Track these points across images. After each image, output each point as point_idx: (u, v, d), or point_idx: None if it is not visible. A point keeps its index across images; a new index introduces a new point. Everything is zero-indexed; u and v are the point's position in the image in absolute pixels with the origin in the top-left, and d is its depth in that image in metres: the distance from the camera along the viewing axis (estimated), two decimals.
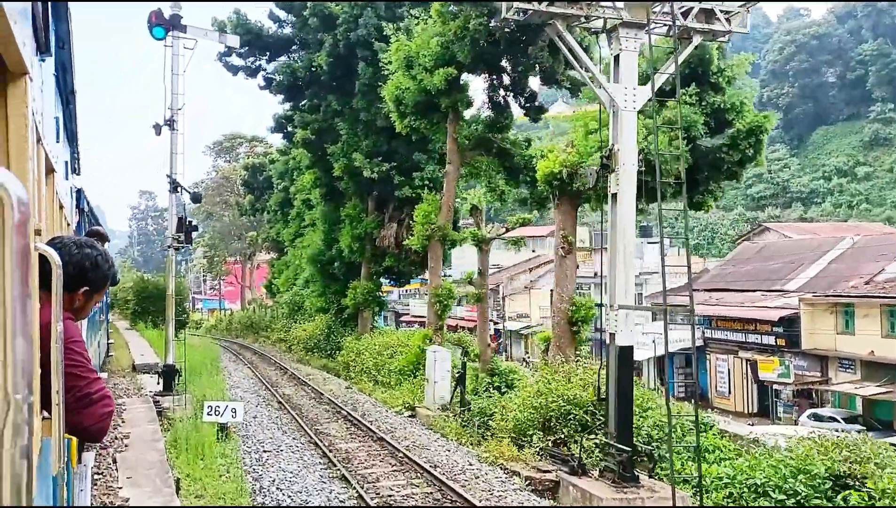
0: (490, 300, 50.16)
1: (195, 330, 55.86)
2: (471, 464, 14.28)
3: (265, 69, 38.68)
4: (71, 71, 6.84)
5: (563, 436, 14.66)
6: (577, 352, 18.84)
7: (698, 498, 11.86)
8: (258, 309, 61.70)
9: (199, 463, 13.26)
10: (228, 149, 75.04)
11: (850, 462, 12.02)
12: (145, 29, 18.93)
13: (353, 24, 31.91)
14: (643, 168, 12.94)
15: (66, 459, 2.90)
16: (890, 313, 30.29)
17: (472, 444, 16.79)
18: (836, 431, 18.00)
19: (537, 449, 14.47)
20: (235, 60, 38.22)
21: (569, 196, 18.56)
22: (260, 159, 61.25)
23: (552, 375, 16.38)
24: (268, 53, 38.17)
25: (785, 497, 11.61)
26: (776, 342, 36.56)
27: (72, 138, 9.46)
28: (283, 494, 12.32)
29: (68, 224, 7.93)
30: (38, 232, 2.70)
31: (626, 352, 12.33)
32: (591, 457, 13.44)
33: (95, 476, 10.33)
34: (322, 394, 23.58)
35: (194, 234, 20.81)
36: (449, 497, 12.25)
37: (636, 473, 12.17)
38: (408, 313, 60.50)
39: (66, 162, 8.11)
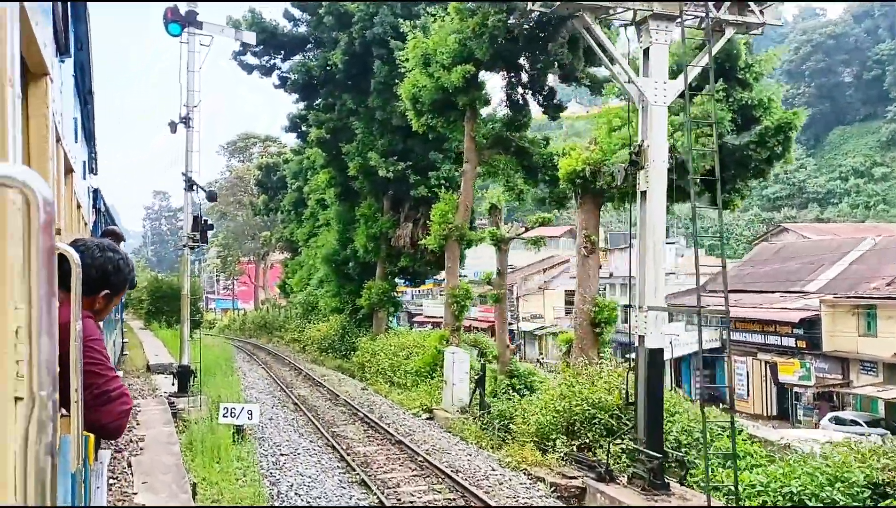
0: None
1: (208, 330, 55.73)
2: (493, 469, 13.91)
3: (280, 68, 38.41)
4: (89, 72, 6.78)
5: (587, 441, 14.27)
6: (600, 354, 18.43)
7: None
8: (271, 309, 61.54)
9: (215, 467, 12.95)
10: (242, 149, 74.99)
11: (890, 470, 11.57)
12: (154, 29, 18.96)
13: (368, 22, 31.60)
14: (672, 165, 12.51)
15: (84, 456, 2.96)
16: None
17: (492, 448, 16.42)
18: (861, 435, 17.55)
19: (561, 454, 14.08)
20: (250, 59, 37.98)
21: (592, 195, 18.16)
22: (274, 159, 61.10)
23: (575, 377, 15.98)
24: (283, 52, 37.90)
25: (822, 507, 11.17)
26: (796, 343, 36.02)
27: (89, 138, 9.36)
28: (302, 500, 11.99)
29: (86, 224, 7.82)
30: (58, 232, 2.65)
31: (655, 355, 11.92)
32: (617, 463, 13.04)
33: (110, 481, 10.03)
34: (338, 395, 23.26)
35: (209, 233, 20.52)
36: (472, 502, 11.88)
37: (666, 480, 11.76)
38: (421, 314, 60.18)
39: (84, 162, 8.02)
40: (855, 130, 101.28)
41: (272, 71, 38.58)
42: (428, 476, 13.60)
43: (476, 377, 19.09)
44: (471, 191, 25.87)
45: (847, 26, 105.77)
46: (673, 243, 56.11)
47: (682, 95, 12.93)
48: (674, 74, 12.82)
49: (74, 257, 2.15)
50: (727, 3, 12.33)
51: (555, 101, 26.67)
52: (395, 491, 12.62)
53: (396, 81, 29.80)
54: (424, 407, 20.69)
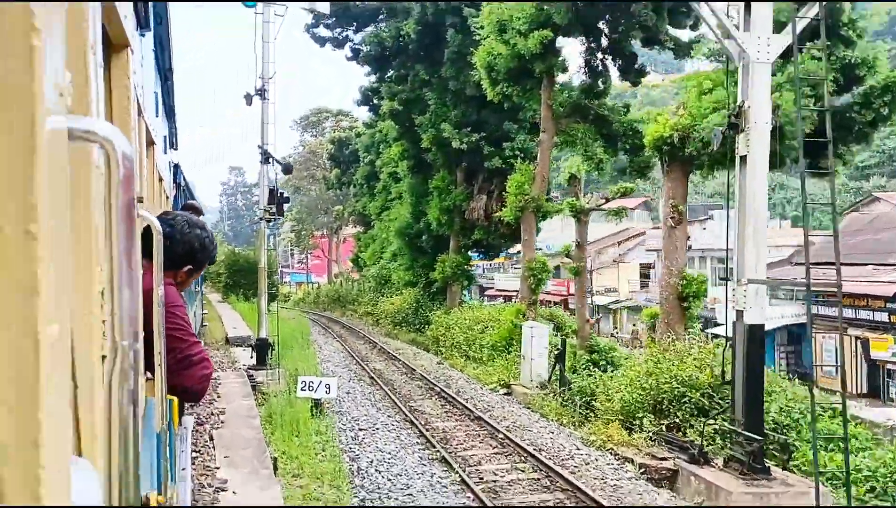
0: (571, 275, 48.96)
1: (283, 303, 56.46)
2: (578, 448, 13.38)
3: (352, 40, 38.15)
4: (168, 48, 6.83)
5: (677, 420, 13.58)
6: (688, 329, 17.60)
7: (840, 494, 10.70)
8: (345, 283, 62.00)
9: (294, 440, 12.82)
10: (315, 123, 75.42)
11: None
12: (229, 7, 18.52)
13: None
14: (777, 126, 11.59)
15: (168, 419, 3.11)
16: None
17: (573, 425, 15.90)
18: None
19: (649, 434, 13.44)
20: (323, 31, 37.85)
21: (679, 162, 17.23)
22: (346, 133, 61.20)
23: (662, 354, 15.25)
24: (355, 24, 37.59)
25: None
26: (890, 318, 34.14)
27: (169, 114, 9.42)
28: (383, 477, 11.72)
29: (167, 197, 7.82)
30: (140, 200, 2.42)
31: (755, 331, 11.14)
32: (711, 445, 12.34)
33: (193, 454, 9.94)
34: (413, 370, 23.05)
35: (284, 206, 20.41)
36: (558, 484, 11.40)
37: (767, 464, 11.04)
38: (492, 287, 59.67)
39: (165, 137, 8.06)
40: None
41: (344, 43, 38.36)
42: (510, 455, 13.18)
43: (556, 353, 18.52)
44: (548, 161, 25.12)
45: None
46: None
47: (784, 53, 12.02)
48: (779, 29, 11.85)
49: (156, 224, 2.17)
50: None
51: (636, 66, 25.62)
52: (476, 469, 12.23)
53: (470, 49, 29.15)
54: (502, 382, 20.26)
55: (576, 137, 24.79)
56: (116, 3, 2.15)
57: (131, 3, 2.80)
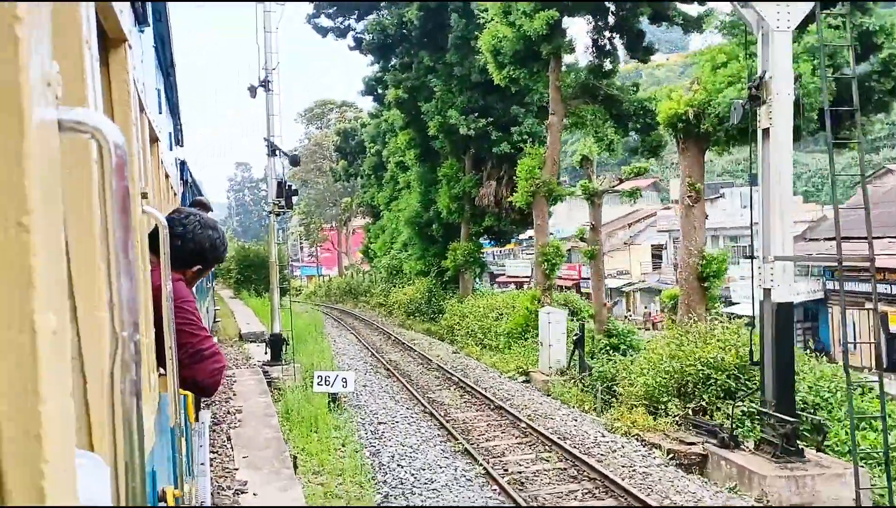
0: (582, 259, 48.59)
1: (295, 296, 56.24)
2: (603, 435, 13.09)
3: (354, 29, 37.74)
4: (169, 44, 6.78)
5: (703, 404, 13.26)
6: (709, 310, 17.24)
7: (876, 473, 10.38)
8: (355, 274, 61.76)
9: (312, 437, 12.57)
10: (319, 115, 75.02)
11: None
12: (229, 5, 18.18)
13: None
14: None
15: (182, 413, 3.11)
16: None
17: (595, 411, 15.62)
18: None
19: (674, 418, 13.12)
20: (324, 21, 37.45)
21: (695, 139, 16.83)
22: (351, 124, 60.79)
23: (685, 335, 14.91)
24: (356, 12, 37.16)
25: None
26: None
27: (174, 111, 9.28)
28: (405, 472, 11.46)
29: (175, 194, 7.76)
30: (144, 196, 2.70)
31: (784, 309, 10.80)
32: (739, 428, 12.03)
33: (211, 456, 9.71)
34: (430, 360, 22.80)
35: (293, 199, 20.10)
36: (585, 473, 11.11)
37: (800, 446, 10.72)
38: (503, 274, 59.35)
39: (170, 133, 7.97)
40: None
41: (346, 32, 37.95)
42: (534, 444, 12.90)
43: (574, 338, 18.21)
44: (558, 144, 24.73)
45: None
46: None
47: (805, 21, 11.63)
48: None
49: (161, 219, 2.19)
50: None
51: (644, 43, 25.17)
52: (500, 461, 11.96)
53: (475, 34, 28.75)
54: (520, 370, 19.98)
55: (585, 119, 24.35)
56: None
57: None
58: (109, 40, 2.40)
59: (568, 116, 24.45)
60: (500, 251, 61.71)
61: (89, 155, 1.37)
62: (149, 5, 4.13)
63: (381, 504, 10.39)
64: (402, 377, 19.92)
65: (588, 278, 54.36)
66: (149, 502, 2.31)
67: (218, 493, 8.64)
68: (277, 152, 19.00)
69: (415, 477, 11.14)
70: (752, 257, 11.36)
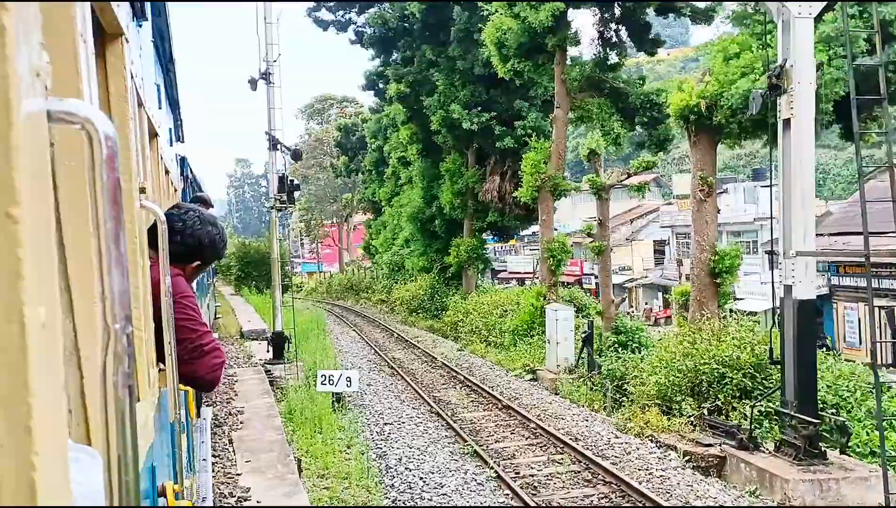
0: (583, 254, 48.13)
1: (296, 292, 55.74)
2: (616, 436, 12.71)
3: (355, 22, 37.33)
4: (169, 39, 6.62)
5: (718, 403, 12.88)
6: (720, 307, 16.86)
7: None
8: (357, 271, 61.39)
9: (317, 438, 12.22)
10: (319, 111, 74.55)
11: None
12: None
13: None
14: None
15: (183, 408, 3.10)
16: None
17: (605, 411, 15.26)
18: None
19: (689, 418, 12.75)
20: (325, 15, 37.04)
21: (707, 132, 16.43)
22: (352, 120, 60.36)
23: (698, 333, 14.53)
24: (358, 5, 36.73)
25: None
26: None
27: (174, 106, 9.11)
28: (414, 475, 11.08)
29: (175, 190, 7.60)
30: (142, 190, 2.60)
31: (806, 307, 10.43)
32: (758, 428, 11.65)
33: (213, 460, 9.35)
34: (434, 358, 22.43)
35: (295, 194, 19.68)
36: (600, 476, 10.74)
37: (823, 448, 10.35)
38: (504, 270, 58.95)
39: (170, 129, 7.90)
40: None
41: (347, 26, 37.56)
42: (545, 446, 12.53)
43: (583, 335, 17.84)
44: (564, 138, 24.32)
45: None
46: (773, 185, 52.97)
47: (826, 8, 11.24)
48: None
49: (159, 213, 2.21)
50: None
51: (650, 36, 24.77)
52: (511, 464, 11.59)
53: (478, 27, 28.36)
54: (527, 368, 19.61)
55: (591, 113, 23.99)
56: None
57: None
58: (106, 35, 2.40)
59: (573, 109, 24.07)
60: (501, 247, 61.28)
61: (81, 147, 1.23)
62: (147, 1, 4.10)
63: (383, 505, 10.04)
64: (406, 375, 19.55)
65: (590, 274, 54.20)
66: (148, 497, 2.20)
67: (219, 500, 8.28)
68: (279, 146, 18.61)
69: (424, 481, 10.76)
70: (772, 253, 10.98)
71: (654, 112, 23.34)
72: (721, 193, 48.57)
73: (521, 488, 10.20)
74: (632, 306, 52.03)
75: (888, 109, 10.37)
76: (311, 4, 36.26)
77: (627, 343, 19.86)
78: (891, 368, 33.82)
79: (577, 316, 21.51)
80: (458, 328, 28.55)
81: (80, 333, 1.45)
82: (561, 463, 11.48)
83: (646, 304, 51.59)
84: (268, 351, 18.65)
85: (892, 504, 8.59)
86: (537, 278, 44.74)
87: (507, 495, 10.15)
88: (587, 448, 11.90)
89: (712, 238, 16.81)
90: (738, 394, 12.84)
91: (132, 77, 2.66)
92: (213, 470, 8.92)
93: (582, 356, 17.93)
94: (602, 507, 9.78)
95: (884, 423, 11.21)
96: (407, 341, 27.23)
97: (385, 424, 14.36)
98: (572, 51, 24.75)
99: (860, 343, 37.80)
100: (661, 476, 10.61)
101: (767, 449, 10.91)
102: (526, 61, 24.43)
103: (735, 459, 10.89)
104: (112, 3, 2.18)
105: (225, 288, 44.75)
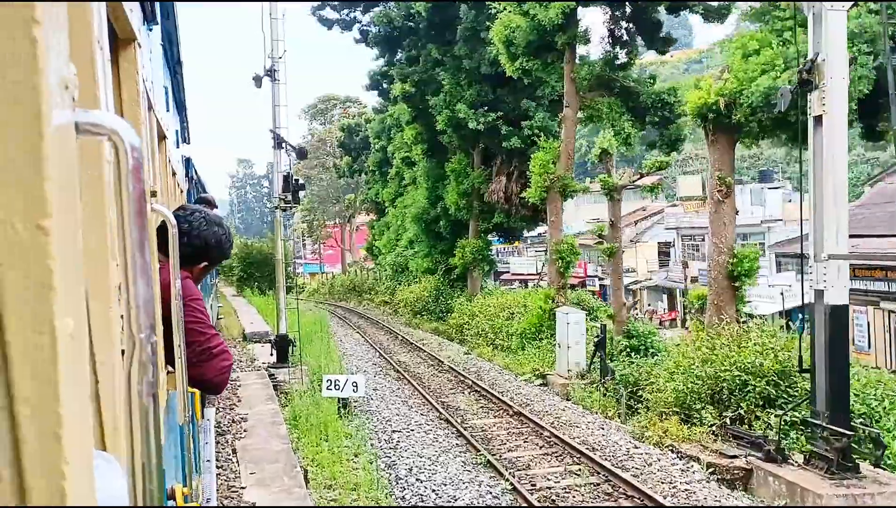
0: (587, 256, 47.68)
1: (298, 293, 55.17)
2: (636, 446, 12.22)
3: (360, 21, 36.86)
4: (177, 42, 6.65)
5: (741, 412, 12.38)
6: (738, 311, 16.36)
7: None
8: (359, 272, 60.94)
9: (323, 446, 11.74)
10: (323, 111, 74.14)
11: None
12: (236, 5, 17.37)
13: None
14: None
15: (191, 411, 3.24)
16: None
17: (619, 418, 14.78)
18: None
19: (710, 427, 12.25)
20: (329, 13, 36.56)
21: (725, 131, 15.95)
22: (355, 120, 59.93)
23: (717, 338, 14.05)
24: (362, 4, 36.27)
25: None
26: None
27: (180, 108, 9.11)
28: (426, 487, 10.61)
29: (181, 191, 7.54)
30: (153, 194, 2.80)
31: (839, 312, 9.95)
32: (784, 439, 11.16)
33: (216, 472, 8.88)
34: (441, 361, 21.95)
35: (300, 193, 19.20)
36: (621, 489, 10.27)
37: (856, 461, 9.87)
38: (507, 272, 58.50)
39: (177, 131, 7.89)
40: None
41: (352, 25, 37.08)
42: (560, 455, 12.04)
43: (595, 339, 17.36)
44: (573, 137, 23.87)
45: None
46: (778, 187, 52.57)
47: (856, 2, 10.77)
48: None
49: (170, 217, 2.18)
50: None
51: (661, 34, 24.32)
52: (526, 475, 11.11)
53: (485, 25, 27.93)
54: (536, 373, 19.13)
55: (601, 112, 23.52)
56: None
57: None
58: (119, 40, 2.41)
59: (583, 108, 23.62)
60: (504, 249, 60.84)
61: (100, 156, 1.39)
62: (157, 4, 4.18)
63: (383, 505, 9.60)
64: (413, 379, 19.08)
65: (593, 276, 53.75)
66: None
67: None
68: (283, 145, 18.14)
69: (436, 494, 10.28)
70: (801, 256, 10.51)
71: (665, 111, 22.89)
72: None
73: (539, 501, 9.73)
74: (635, 309, 51.60)
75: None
76: (316, 3, 35.82)
77: (639, 348, 19.36)
78: None
79: (602, 321, 21.02)
80: (463, 331, 28.09)
81: (95, 337, 1.42)
82: (578, 475, 11.00)
83: (649, 306, 51.19)
84: (271, 354, 18.17)
85: None
86: (544, 279, 44.23)
87: None
88: (605, 459, 11.42)
89: (730, 240, 16.33)
90: (761, 403, 12.35)
91: (143, 81, 2.69)
92: (216, 482, 8.46)
93: (594, 360, 17.45)
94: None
95: None
96: (412, 343, 26.76)
97: (393, 431, 13.89)
98: (581, 49, 24.34)
99: (869, 347, 37.32)
100: (685, 489, 10.11)
101: (796, 462, 10.43)
102: (535, 60, 23.97)
103: (762, 472, 10.41)
104: (125, 7, 2.21)
105: (227, 289, 44.26)
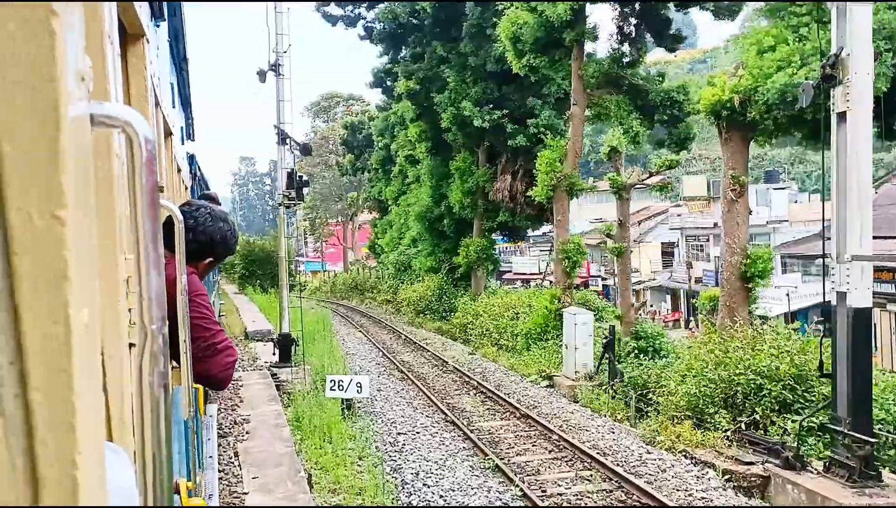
0: (589, 256, 47.38)
1: (301, 292, 54.73)
2: (648, 451, 11.90)
3: (365, 17, 36.55)
4: (183, 38, 6.78)
5: (756, 417, 12.06)
6: (751, 313, 16.03)
7: None
8: (361, 270, 60.63)
9: (326, 448, 11.44)
10: (326, 109, 73.83)
11: None
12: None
13: None
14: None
15: (195, 407, 3.19)
16: None
17: (629, 421, 14.46)
18: None
19: (724, 432, 11.93)
20: (333, 10, 36.25)
21: (739, 128, 15.62)
22: (358, 118, 59.62)
23: (730, 341, 13.72)
24: (367, 1, 35.94)
25: None
26: None
27: (185, 105, 9.31)
28: (433, 492, 10.30)
29: (186, 187, 7.70)
30: (161, 188, 1.96)
31: (862, 315, 9.63)
32: (802, 445, 10.84)
33: (218, 476, 8.58)
34: (445, 361, 21.63)
35: (304, 190, 18.87)
36: (634, 496, 9.95)
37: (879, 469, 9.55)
38: (510, 271, 58.17)
39: (182, 127, 8.00)
40: None
41: (356, 21, 36.77)
42: (570, 460, 11.73)
43: (604, 341, 17.04)
44: (580, 135, 23.54)
45: None
46: (784, 188, 52.24)
47: None
48: None
49: (177, 213, 2.19)
50: None
51: (671, 31, 24.02)
52: (536, 480, 10.79)
53: (492, 21, 27.63)
54: (543, 374, 18.81)
55: (609, 110, 23.18)
56: None
57: None
58: (128, 36, 2.42)
59: (590, 106, 23.29)
60: (506, 248, 60.55)
61: (110, 150, 1.41)
62: (164, 1, 4.20)
63: (383, 505, 9.30)
64: (417, 380, 18.78)
65: (596, 276, 53.40)
66: None
67: None
68: (287, 141, 17.83)
69: (444, 500, 9.98)
70: (823, 256, 10.19)
71: (674, 110, 22.59)
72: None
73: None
74: (643, 309, 51.31)
75: None
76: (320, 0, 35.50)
77: (647, 349, 19.04)
78: None
79: (611, 323, 20.69)
80: (467, 331, 27.78)
81: (103, 331, 1.42)
82: (590, 481, 10.68)
83: (651, 306, 50.88)
84: (274, 353, 17.86)
85: None
86: (547, 279, 43.87)
87: None
88: (618, 465, 11.10)
89: (743, 240, 16.00)
90: (776, 407, 12.02)
91: (151, 77, 2.70)
92: (218, 488, 8.16)
93: (602, 362, 17.13)
94: None
95: None
96: (415, 343, 26.45)
97: (398, 434, 13.58)
98: (588, 47, 24.02)
99: (875, 349, 37.00)
100: (702, 497, 9.80)
101: (815, 469, 10.11)
102: (542, 56, 23.66)
103: (780, 479, 10.08)
104: (135, 3, 2.22)
105: (228, 287, 43.94)
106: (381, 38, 35.44)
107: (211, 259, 3.33)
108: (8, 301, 0.67)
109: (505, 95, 30.37)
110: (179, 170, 6.35)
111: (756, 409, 12.13)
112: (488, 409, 15.63)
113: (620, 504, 9.83)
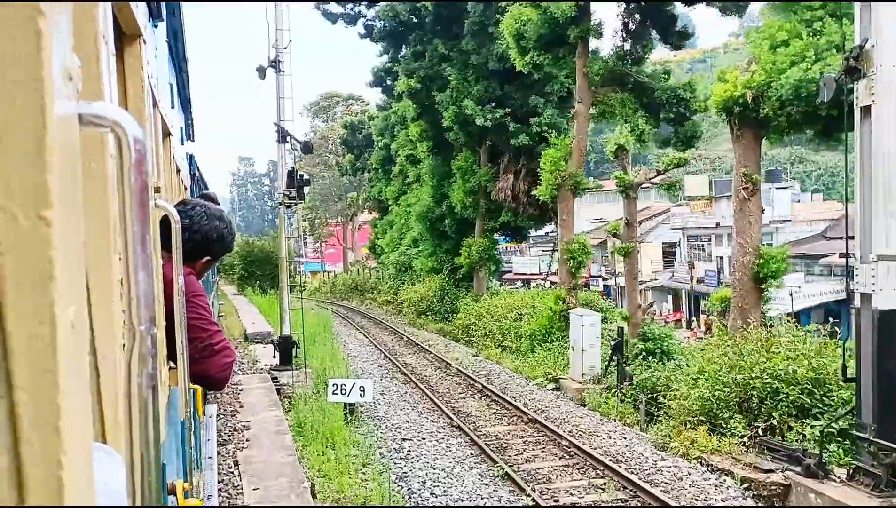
0: (594, 256, 47.02)
1: (301, 292, 54.26)
2: (663, 458, 11.51)
3: (365, 15, 36.17)
4: (182, 39, 6.62)
5: (773, 422, 11.67)
6: (763, 315, 15.67)
7: None
8: (361, 271, 60.25)
9: (329, 455, 11.05)
10: (325, 109, 73.45)
11: None
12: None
13: None
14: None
15: (192, 407, 3.25)
16: None
17: (639, 426, 14.08)
18: None
19: (741, 438, 11.54)
20: (333, 7, 35.88)
21: (751, 125, 15.25)
22: (358, 117, 59.23)
23: (744, 343, 13.35)
24: None
25: None
26: None
27: (185, 105, 9.09)
28: (441, 502, 9.91)
29: (185, 188, 7.42)
30: (157, 190, 2.56)
31: (889, 317, 9.24)
32: (825, 451, 10.46)
33: (217, 487, 8.19)
34: (448, 363, 21.24)
35: (305, 190, 18.47)
36: (651, 506, 9.55)
37: None
38: (510, 271, 57.79)
39: (181, 128, 7.81)
40: None
41: (357, 19, 36.40)
42: (582, 467, 11.34)
43: (612, 343, 16.66)
44: (585, 134, 23.17)
45: None
46: (787, 187, 51.86)
47: None
48: None
49: (174, 213, 2.19)
50: None
51: (677, 28, 23.64)
52: (548, 489, 10.41)
53: (494, 19, 27.28)
54: (549, 376, 18.43)
55: (614, 108, 22.81)
56: None
57: None
58: (125, 36, 2.42)
59: (595, 104, 22.91)
60: (507, 248, 60.21)
61: (104, 148, 1.38)
62: (163, 0, 4.11)
63: (383, 505, 8.93)
64: (420, 383, 18.39)
65: (597, 276, 53.02)
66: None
67: None
68: (288, 139, 17.44)
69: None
70: (846, 256, 9.82)
71: (680, 108, 22.23)
72: (729, 195, 47.54)
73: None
74: (651, 310, 50.92)
75: None
76: None
77: (655, 351, 18.66)
78: None
79: (620, 325, 20.30)
80: (470, 332, 27.40)
81: (97, 332, 1.41)
82: (604, 489, 10.30)
83: (651, 306, 50.45)
84: (274, 356, 17.46)
85: None
86: (548, 279, 43.46)
87: None
88: (631, 472, 10.72)
89: (756, 240, 15.62)
90: (794, 412, 11.64)
91: (148, 77, 2.67)
92: (217, 499, 7.78)
93: (611, 364, 16.75)
94: None
95: None
96: (417, 344, 26.06)
97: (403, 440, 13.18)
98: (593, 43, 23.66)
99: None
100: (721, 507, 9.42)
101: (838, 477, 9.73)
102: (546, 54, 23.30)
103: (802, 488, 9.70)
104: (131, 3, 2.20)
105: (227, 288, 43.53)
106: (382, 36, 35.07)
107: (208, 258, 3.28)
108: None
109: (507, 94, 30.01)
110: (178, 171, 6.18)
111: (773, 414, 11.74)
112: (495, 413, 15.25)
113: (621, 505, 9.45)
